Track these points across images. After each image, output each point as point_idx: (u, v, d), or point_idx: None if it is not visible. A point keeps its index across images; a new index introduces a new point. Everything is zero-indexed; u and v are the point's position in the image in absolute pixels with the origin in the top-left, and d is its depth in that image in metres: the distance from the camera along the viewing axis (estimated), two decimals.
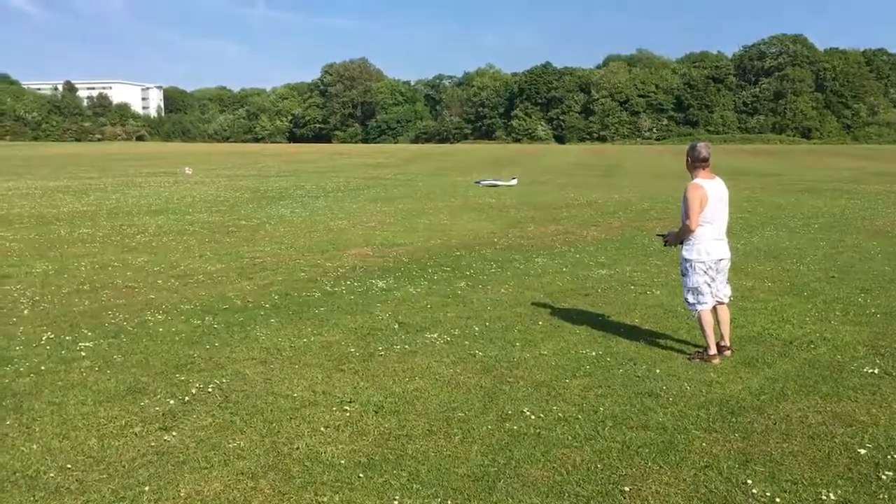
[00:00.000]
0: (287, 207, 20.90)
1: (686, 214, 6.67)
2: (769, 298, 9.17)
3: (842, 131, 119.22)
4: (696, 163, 6.74)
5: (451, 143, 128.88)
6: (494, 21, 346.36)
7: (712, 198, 6.66)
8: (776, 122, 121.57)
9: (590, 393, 5.91)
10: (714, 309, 6.91)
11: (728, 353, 6.84)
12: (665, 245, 7.28)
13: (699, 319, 6.83)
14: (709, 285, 6.80)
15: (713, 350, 6.74)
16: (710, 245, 6.74)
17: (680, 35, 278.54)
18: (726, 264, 6.94)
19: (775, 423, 5.28)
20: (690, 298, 6.85)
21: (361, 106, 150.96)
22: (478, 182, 29.70)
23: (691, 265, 6.77)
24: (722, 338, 6.93)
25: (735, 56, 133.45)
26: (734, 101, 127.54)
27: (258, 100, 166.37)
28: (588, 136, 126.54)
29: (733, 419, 5.37)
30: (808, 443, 4.96)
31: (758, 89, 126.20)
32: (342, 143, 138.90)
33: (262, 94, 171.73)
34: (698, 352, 6.86)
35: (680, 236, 6.87)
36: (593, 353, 6.92)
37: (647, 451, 4.85)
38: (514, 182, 29.33)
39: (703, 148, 6.77)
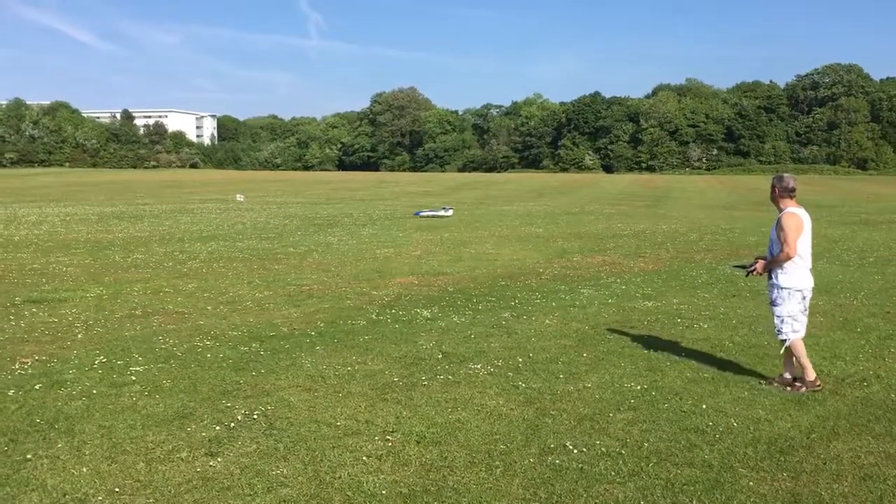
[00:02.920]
0: (334, 235, 21.14)
1: (785, 242, 6.71)
2: (821, 334, 8.97)
3: None
4: (783, 193, 6.90)
5: (499, 171, 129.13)
6: (543, 51, 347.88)
7: (806, 226, 6.79)
8: (830, 152, 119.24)
9: (634, 428, 5.84)
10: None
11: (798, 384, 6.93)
12: (748, 275, 7.26)
13: (793, 348, 6.84)
14: (803, 313, 6.88)
15: (812, 375, 6.78)
16: (805, 272, 6.84)
17: (731, 64, 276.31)
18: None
19: (825, 463, 5.16)
20: (786, 328, 6.85)
21: (410, 135, 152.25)
22: (417, 213, 29.24)
23: (789, 293, 6.81)
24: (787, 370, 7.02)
25: (788, 86, 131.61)
26: (786, 131, 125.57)
27: (308, 128, 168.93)
28: (636, 166, 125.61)
29: (782, 458, 5.25)
30: (859, 484, 4.83)
31: (811, 119, 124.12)
32: (390, 171, 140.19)
33: (312, 122, 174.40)
34: (796, 379, 6.88)
35: (773, 264, 6.88)
36: (638, 387, 6.85)
37: (692, 489, 4.77)
38: (450, 213, 28.61)
39: (790, 179, 6.95)
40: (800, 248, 6.76)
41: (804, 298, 6.88)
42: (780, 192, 6.91)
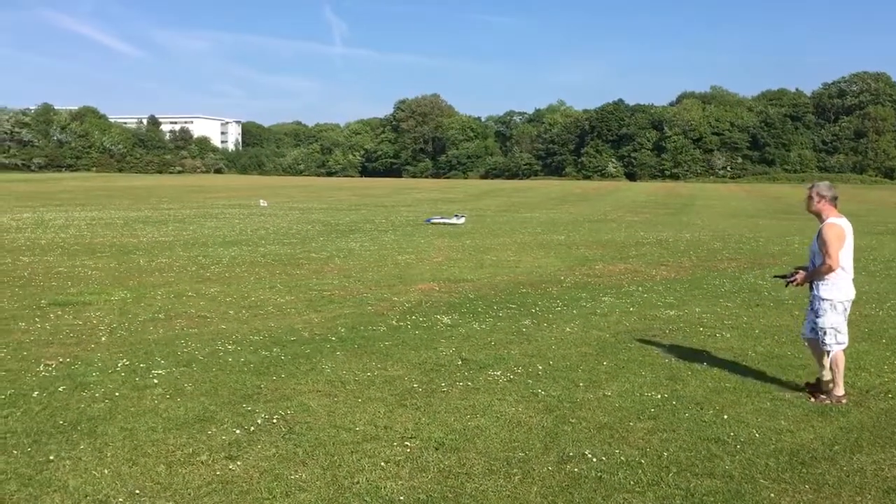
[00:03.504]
0: (356, 241, 21.21)
1: (827, 254, 6.66)
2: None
3: None
4: (825, 202, 6.83)
5: (521, 179, 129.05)
6: (566, 58, 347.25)
7: (848, 236, 6.74)
8: (857, 161, 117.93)
9: (654, 437, 5.80)
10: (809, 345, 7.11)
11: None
12: (787, 285, 7.19)
13: (835, 359, 6.78)
14: (845, 324, 6.83)
15: (841, 391, 6.73)
16: (847, 283, 6.80)
17: (756, 72, 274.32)
18: None
19: (848, 476, 5.09)
20: (829, 339, 6.80)
21: (432, 141, 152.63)
22: (428, 220, 28.83)
23: (832, 304, 6.76)
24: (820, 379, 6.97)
25: (814, 94, 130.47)
26: (812, 139, 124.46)
27: (332, 135, 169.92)
28: (660, 174, 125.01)
29: (804, 470, 5.20)
30: (882, 497, 4.76)
31: (838, 128, 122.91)
32: (413, 177, 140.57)
33: (335, 129, 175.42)
34: (825, 392, 6.83)
35: (815, 275, 6.83)
36: (659, 396, 6.80)
37: (712, 499, 4.73)
38: (462, 220, 28.09)
39: (831, 187, 6.90)
40: (842, 260, 6.70)
41: (845, 310, 6.83)
42: (819, 201, 6.84)
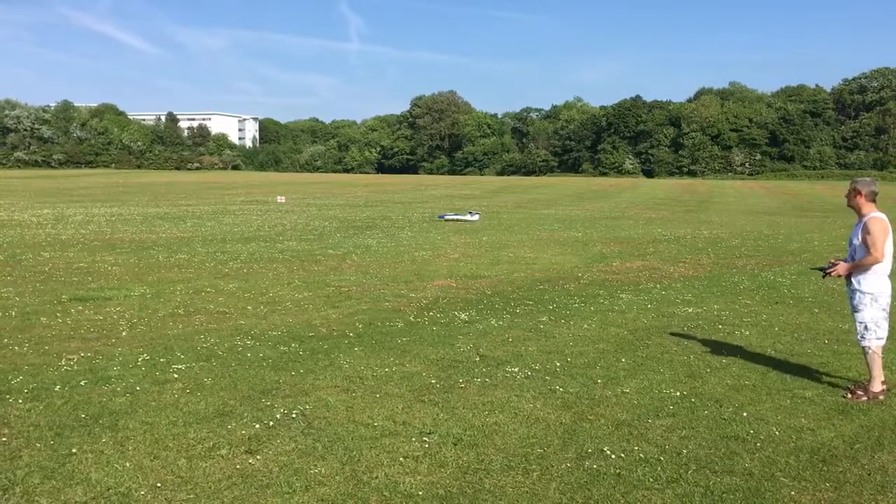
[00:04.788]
0: (373, 237, 21.26)
1: (873, 246, 6.65)
2: None
3: None
4: (867, 197, 6.84)
5: (538, 175, 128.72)
6: (584, 54, 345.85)
7: (891, 232, 6.75)
8: (877, 158, 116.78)
9: (673, 434, 5.78)
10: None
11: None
12: (825, 276, 7.14)
13: (873, 354, 6.75)
14: (885, 319, 6.80)
15: (878, 387, 6.68)
16: (886, 279, 6.78)
17: (775, 68, 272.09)
18: None
19: (870, 474, 5.06)
20: (869, 334, 6.77)
21: (449, 138, 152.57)
22: (441, 216, 28.89)
23: (873, 298, 6.75)
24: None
25: (834, 90, 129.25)
26: (832, 135, 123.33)
27: (348, 131, 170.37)
28: (677, 171, 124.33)
29: (825, 468, 5.16)
30: None
31: (858, 124, 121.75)
32: (429, 174, 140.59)
33: (352, 125, 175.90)
34: (860, 385, 6.81)
35: (859, 268, 6.79)
36: (678, 394, 6.78)
37: (731, 497, 4.70)
38: (476, 217, 27.93)
39: (873, 183, 6.93)
40: (887, 252, 6.70)
41: (888, 303, 6.81)
42: (866, 197, 6.82)
